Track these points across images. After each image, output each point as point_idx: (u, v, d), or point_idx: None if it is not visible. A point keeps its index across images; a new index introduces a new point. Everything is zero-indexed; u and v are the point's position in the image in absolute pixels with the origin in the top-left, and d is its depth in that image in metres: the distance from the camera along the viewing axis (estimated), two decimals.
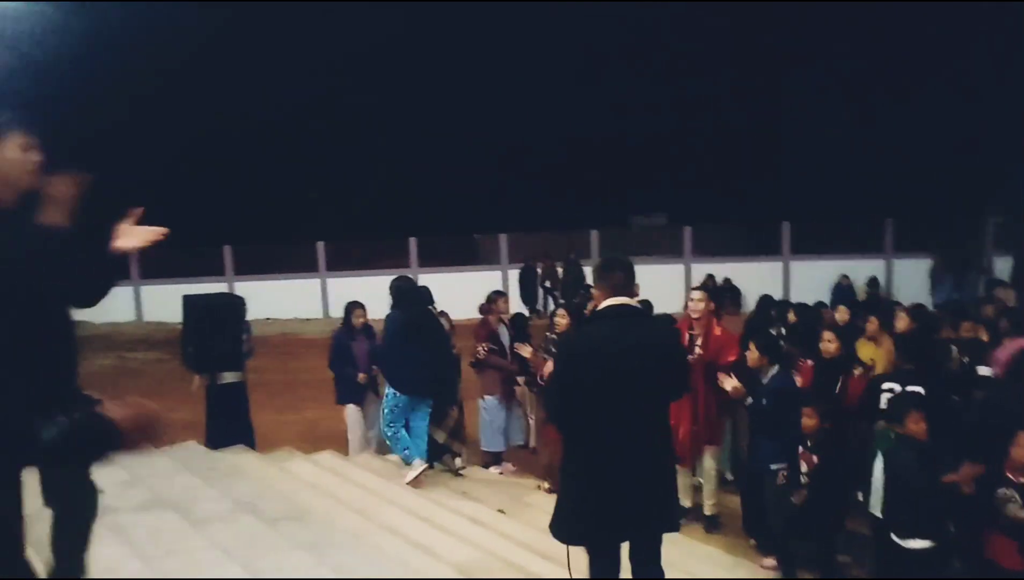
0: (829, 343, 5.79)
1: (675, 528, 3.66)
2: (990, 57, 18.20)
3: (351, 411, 7.38)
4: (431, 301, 6.96)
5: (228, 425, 7.22)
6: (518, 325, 7.81)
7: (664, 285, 15.96)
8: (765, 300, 8.65)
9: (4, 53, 13.14)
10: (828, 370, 5.83)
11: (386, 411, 6.33)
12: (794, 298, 12.23)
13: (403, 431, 6.30)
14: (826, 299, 12.40)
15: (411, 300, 6.50)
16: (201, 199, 22.36)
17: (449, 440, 6.90)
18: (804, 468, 4.93)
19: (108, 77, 19.70)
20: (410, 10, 22.45)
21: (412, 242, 18.59)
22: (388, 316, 6.44)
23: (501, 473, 7.41)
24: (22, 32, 14.18)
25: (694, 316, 5.84)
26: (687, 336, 5.71)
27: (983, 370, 5.58)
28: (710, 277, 15.37)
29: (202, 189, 23.04)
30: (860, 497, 5.20)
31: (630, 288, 3.49)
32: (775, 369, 5.31)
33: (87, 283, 2.52)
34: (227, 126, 22.38)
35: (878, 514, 4.67)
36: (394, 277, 6.67)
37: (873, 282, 15.26)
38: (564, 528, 3.43)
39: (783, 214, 18.15)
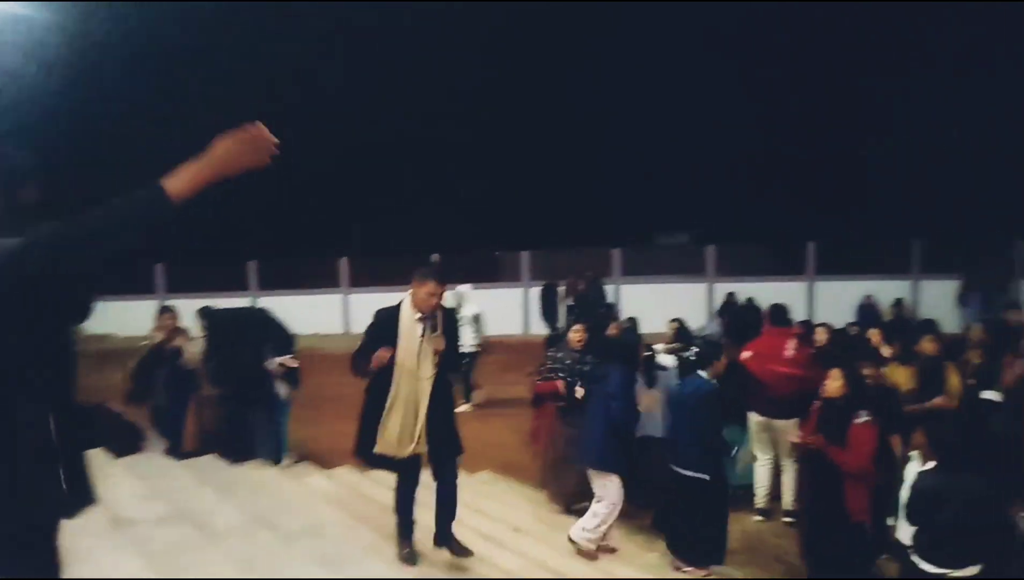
0: (835, 381, 5.17)
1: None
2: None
3: None
4: None
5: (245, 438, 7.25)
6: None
7: (686, 304, 15.87)
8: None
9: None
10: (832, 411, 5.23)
11: None
12: (819, 318, 12.07)
13: None
14: (850, 319, 12.25)
15: None
16: (226, 214, 22.53)
17: None
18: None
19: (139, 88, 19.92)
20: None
21: (434, 258, 18.60)
22: None
23: None
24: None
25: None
26: None
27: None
28: (730, 295, 15.31)
29: (227, 204, 23.17)
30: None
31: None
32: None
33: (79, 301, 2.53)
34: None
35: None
36: None
37: (898, 303, 14.98)
38: None
39: (809, 234, 18.03)
